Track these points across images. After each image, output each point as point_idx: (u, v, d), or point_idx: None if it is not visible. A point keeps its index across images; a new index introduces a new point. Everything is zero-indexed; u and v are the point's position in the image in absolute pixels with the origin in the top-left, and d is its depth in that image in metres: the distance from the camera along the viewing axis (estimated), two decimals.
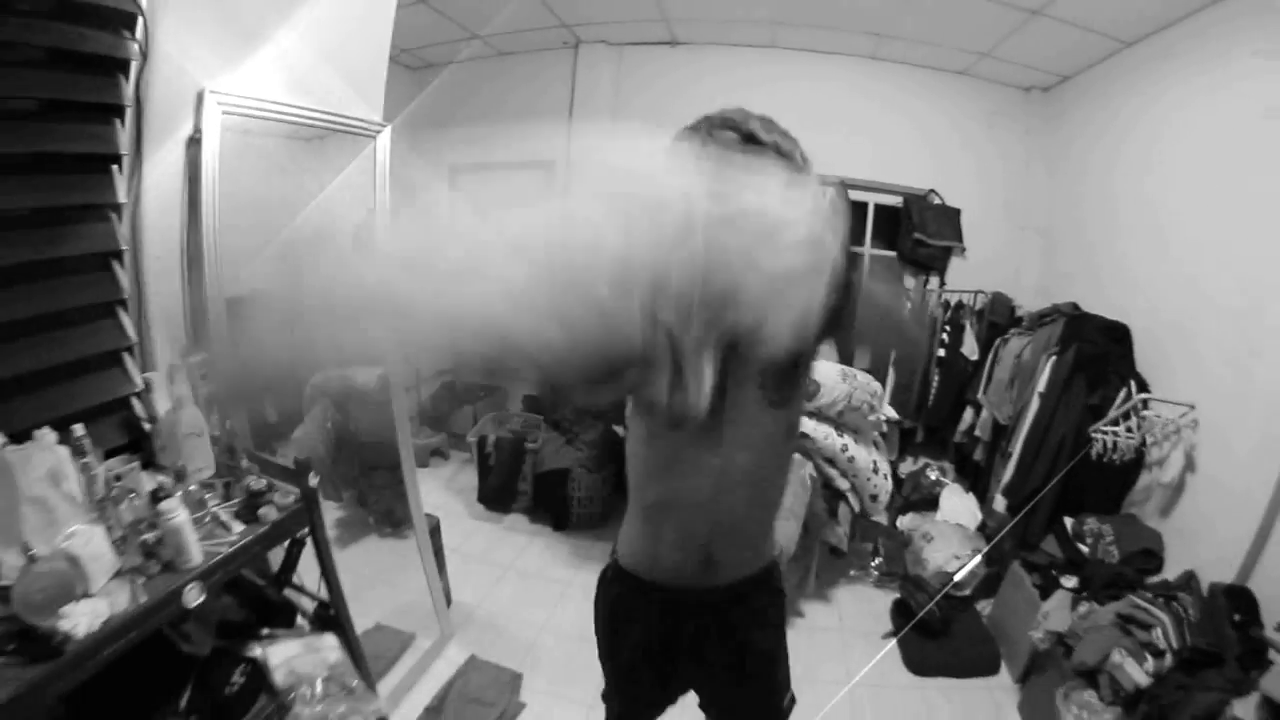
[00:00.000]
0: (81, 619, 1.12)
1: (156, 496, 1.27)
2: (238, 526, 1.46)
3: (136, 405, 1.60)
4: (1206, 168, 2.96)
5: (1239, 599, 2.23)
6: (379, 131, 2.31)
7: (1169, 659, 2.12)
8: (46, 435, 1.26)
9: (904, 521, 3.71)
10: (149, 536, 1.28)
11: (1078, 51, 3.82)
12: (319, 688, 1.55)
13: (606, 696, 1.53)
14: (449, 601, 2.87)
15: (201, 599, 1.28)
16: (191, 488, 1.45)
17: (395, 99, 2.47)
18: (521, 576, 3.35)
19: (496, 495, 3.93)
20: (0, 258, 1.38)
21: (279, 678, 1.54)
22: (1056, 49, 3.84)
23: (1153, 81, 3.40)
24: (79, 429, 1.30)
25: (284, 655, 1.59)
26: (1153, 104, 3.39)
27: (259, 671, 1.54)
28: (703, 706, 1.51)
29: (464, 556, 3.39)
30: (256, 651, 1.58)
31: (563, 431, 3.90)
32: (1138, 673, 2.12)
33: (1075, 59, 3.94)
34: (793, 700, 1.52)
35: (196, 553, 1.31)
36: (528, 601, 3.13)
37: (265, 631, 1.68)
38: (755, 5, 3.93)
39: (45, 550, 1.15)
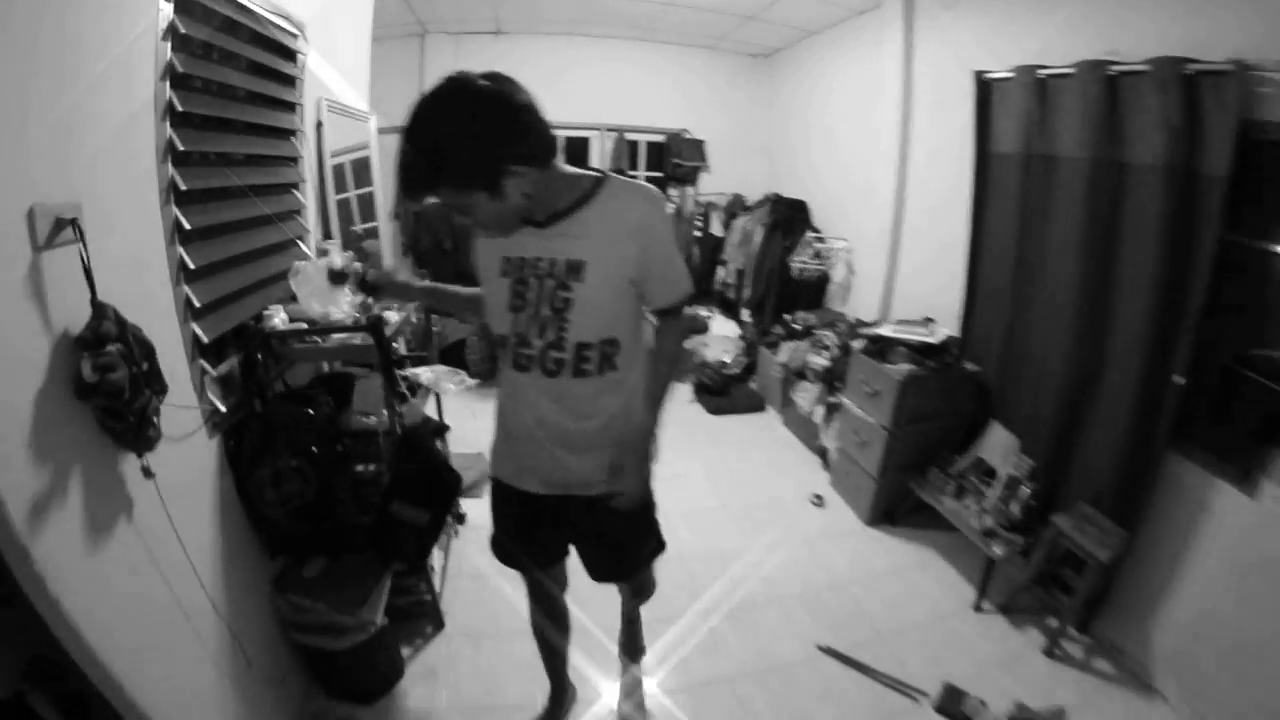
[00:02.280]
0: (344, 305, 2.15)
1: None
2: None
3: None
4: (855, 107, 4.75)
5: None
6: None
7: (834, 350, 4.08)
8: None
9: (689, 342, 5.45)
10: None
11: (782, 36, 5.51)
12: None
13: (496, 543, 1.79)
14: None
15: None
16: None
17: None
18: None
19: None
20: (226, 180, 1.95)
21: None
22: (768, 35, 5.49)
23: (829, 52, 5.19)
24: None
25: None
26: (829, 66, 5.19)
27: None
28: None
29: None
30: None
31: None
32: (820, 361, 4.08)
33: (782, 40, 5.64)
34: (658, 546, 1.81)
35: None
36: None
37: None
38: (558, 9, 5.02)
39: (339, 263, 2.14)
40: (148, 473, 1.38)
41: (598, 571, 1.78)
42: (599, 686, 2.39)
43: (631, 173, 5.92)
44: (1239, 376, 2.21)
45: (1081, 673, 2.64)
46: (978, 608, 2.95)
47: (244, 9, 2.01)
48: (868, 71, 4.49)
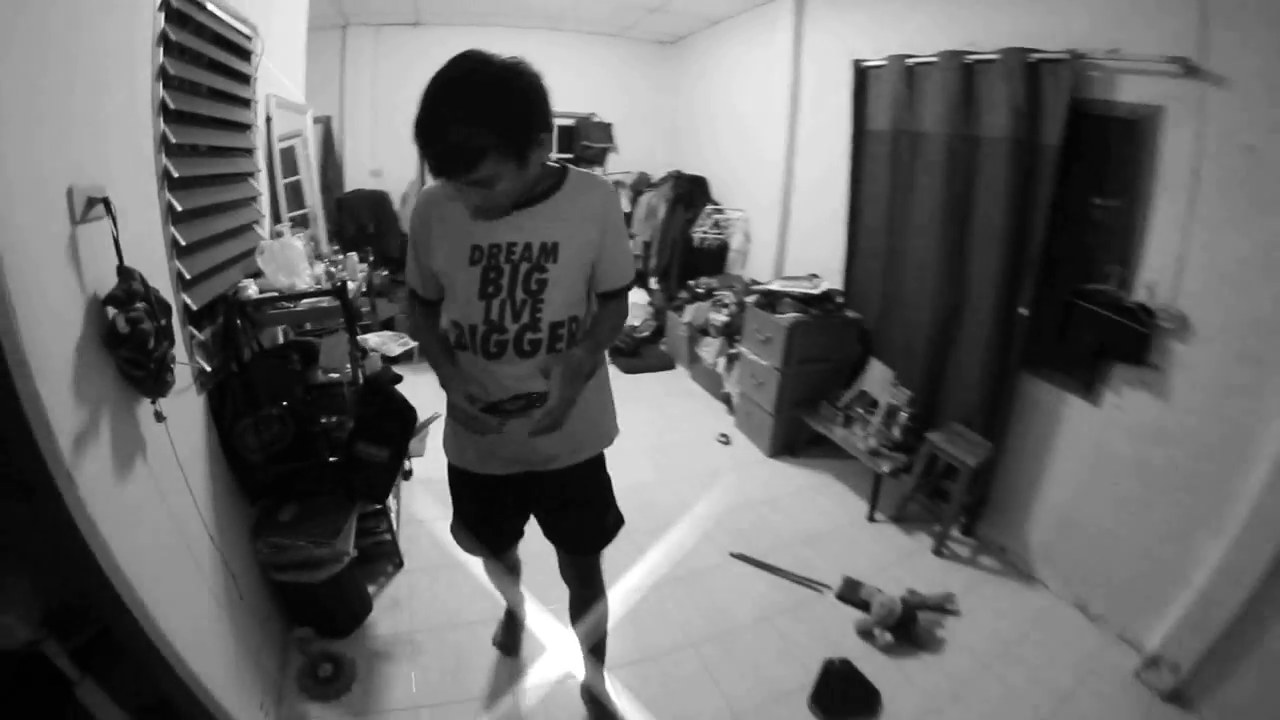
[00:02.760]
0: (306, 277, 2.48)
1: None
2: None
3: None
4: (751, 90, 5.13)
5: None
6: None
7: (732, 307, 4.48)
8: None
9: None
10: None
11: (687, 24, 5.83)
12: None
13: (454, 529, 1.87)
14: None
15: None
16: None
17: None
18: None
19: None
20: (201, 170, 2.14)
21: None
22: (674, 24, 5.80)
23: (729, 40, 5.53)
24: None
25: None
26: (729, 52, 5.53)
27: None
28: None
29: None
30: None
31: None
32: (720, 317, 4.47)
33: (687, 28, 5.95)
34: (617, 520, 1.82)
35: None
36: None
37: None
38: (476, 1, 5.17)
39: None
40: (160, 416, 1.52)
41: (564, 540, 1.82)
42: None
43: None
44: (1076, 307, 2.70)
45: (968, 567, 3.14)
46: (871, 518, 3.43)
47: (213, 15, 2.21)
48: (763, 57, 4.90)
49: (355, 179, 5.79)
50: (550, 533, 1.81)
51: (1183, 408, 2.45)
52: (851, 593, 2.83)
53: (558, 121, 6.02)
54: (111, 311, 1.33)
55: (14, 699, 1.60)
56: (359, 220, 5.46)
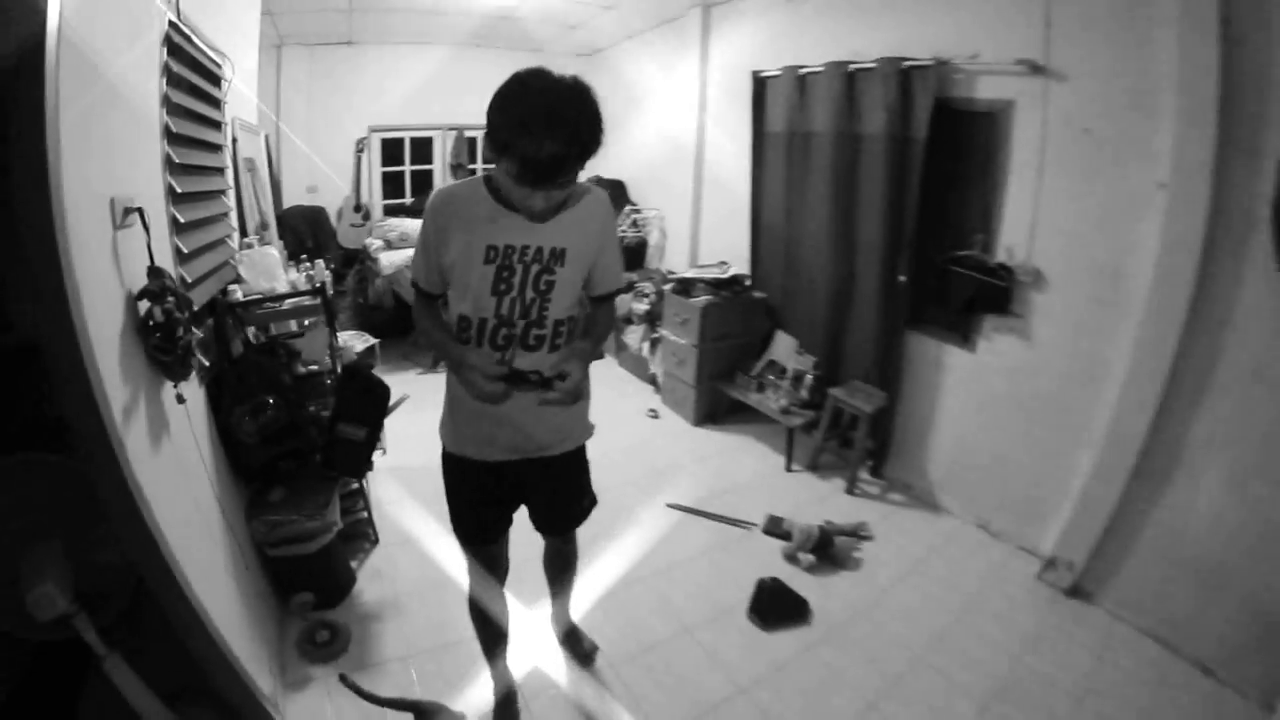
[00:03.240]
0: (282, 283, 2.68)
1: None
2: None
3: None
4: (664, 98, 5.50)
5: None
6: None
7: (652, 296, 4.82)
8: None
9: None
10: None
11: (605, 39, 6.13)
12: None
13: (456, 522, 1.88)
14: None
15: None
16: None
17: None
18: None
19: None
20: (194, 187, 2.25)
21: None
22: (594, 38, 6.08)
23: (643, 52, 5.83)
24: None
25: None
26: (644, 64, 5.81)
27: None
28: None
29: None
30: None
31: None
32: (642, 306, 4.80)
33: (606, 41, 6.23)
34: (592, 502, 1.98)
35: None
36: None
37: None
38: (406, 22, 5.32)
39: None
40: (181, 399, 1.68)
41: (548, 523, 1.99)
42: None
43: (470, 166, 6.28)
44: (949, 271, 3.21)
45: (879, 503, 3.59)
46: (789, 469, 3.84)
47: (197, 46, 2.39)
48: (674, 68, 5.28)
49: (293, 195, 5.78)
50: (538, 515, 1.94)
51: (1044, 346, 2.99)
52: (775, 526, 3.20)
53: (472, 133, 6.30)
54: (146, 304, 1.52)
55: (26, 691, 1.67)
56: (298, 234, 5.51)
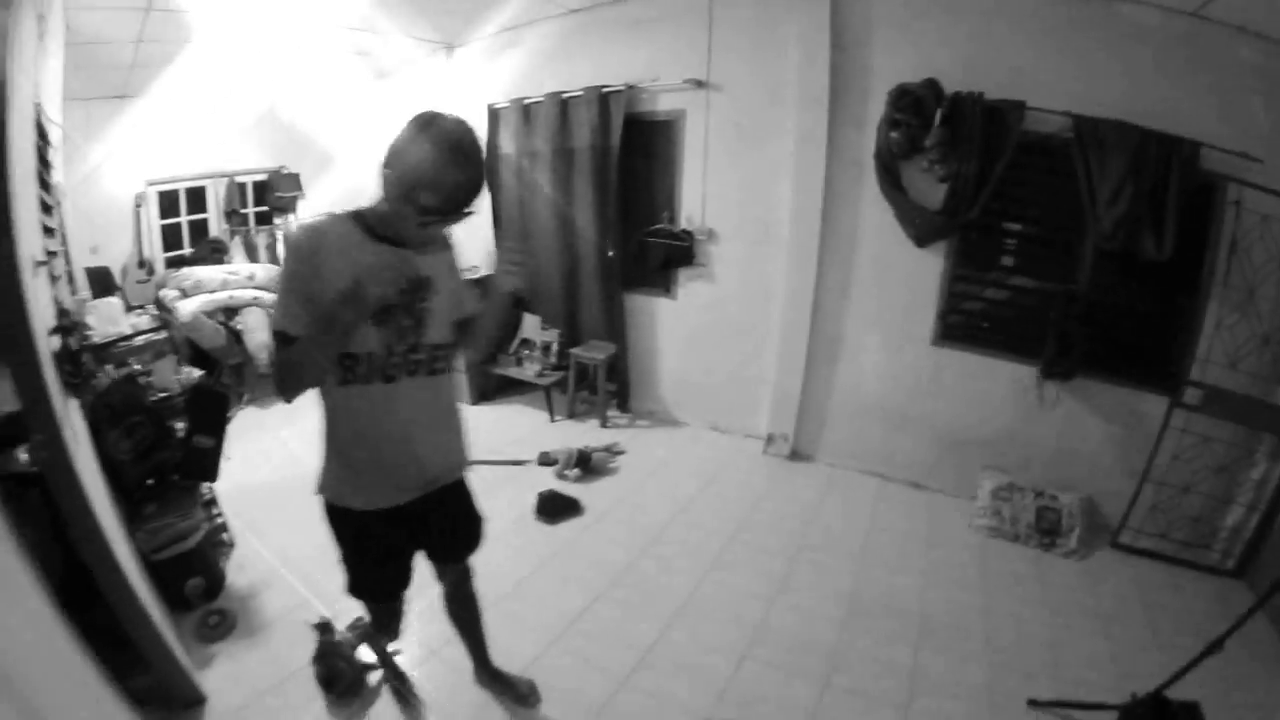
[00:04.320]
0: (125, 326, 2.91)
1: None
2: None
3: None
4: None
5: None
6: None
7: None
8: None
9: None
10: None
11: (389, 66, 5.88)
12: None
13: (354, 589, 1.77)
14: None
15: None
16: None
17: None
18: None
19: None
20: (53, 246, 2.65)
21: None
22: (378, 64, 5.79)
23: (409, 88, 6.02)
24: None
25: None
26: (400, 100, 5.93)
27: None
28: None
29: None
30: None
31: None
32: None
33: (391, 68, 6.02)
34: (484, 520, 1.94)
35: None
36: None
37: None
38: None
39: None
40: (84, 411, 2.14)
41: (451, 552, 1.91)
42: None
43: (242, 210, 6.16)
44: (646, 242, 4.21)
45: (629, 429, 4.43)
46: (552, 419, 4.52)
47: (51, 123, 2.83)
48: (427, 104, 5.66)
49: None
50: (442, 546, 1.87)
51: (724, 283, 4.07)
52: (545, 459, 3.86)
53: (252, 178, 6.27)
54: (58, 338, 1.95)
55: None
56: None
